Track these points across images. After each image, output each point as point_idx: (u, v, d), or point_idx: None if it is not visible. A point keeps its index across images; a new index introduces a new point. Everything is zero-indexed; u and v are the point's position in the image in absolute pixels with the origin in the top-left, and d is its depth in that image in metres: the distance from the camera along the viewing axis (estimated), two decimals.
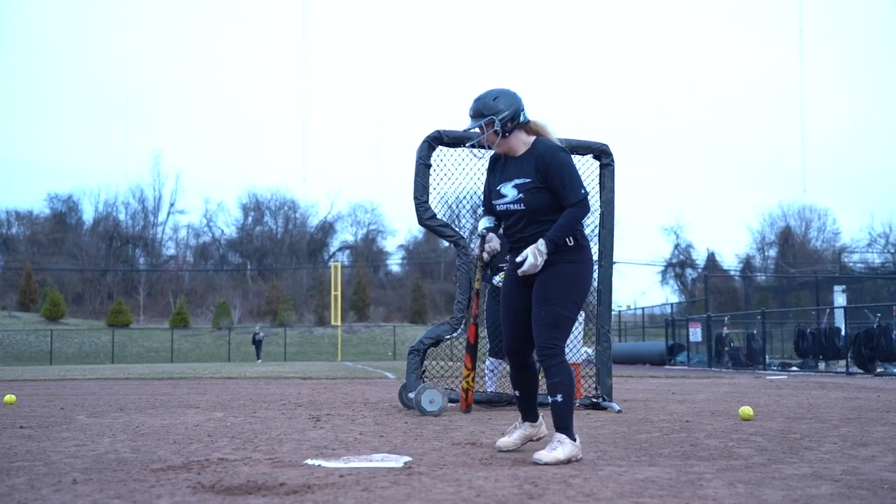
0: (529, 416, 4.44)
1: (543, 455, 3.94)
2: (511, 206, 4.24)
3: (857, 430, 5.54)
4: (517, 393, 4.45)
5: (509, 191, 4.25)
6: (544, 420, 4.56)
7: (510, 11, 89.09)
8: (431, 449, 4.57)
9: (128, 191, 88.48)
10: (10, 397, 8.23)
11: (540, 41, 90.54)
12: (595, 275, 7.70)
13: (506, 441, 4.39)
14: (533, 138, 4.31)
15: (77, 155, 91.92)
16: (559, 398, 4.05)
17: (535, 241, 4.16)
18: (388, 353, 49.22)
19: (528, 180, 4.20)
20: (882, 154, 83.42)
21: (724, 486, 3.31)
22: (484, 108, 4.27)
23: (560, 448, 3.96)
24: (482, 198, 4.61)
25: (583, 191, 4.17)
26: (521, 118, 4.28)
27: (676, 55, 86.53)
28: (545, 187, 4.17)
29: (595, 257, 7.69)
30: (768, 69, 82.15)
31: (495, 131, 4.25)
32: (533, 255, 4.10)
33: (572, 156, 7.49)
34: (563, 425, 4.03)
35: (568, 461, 3.95)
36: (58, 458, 4.20)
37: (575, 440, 4.04)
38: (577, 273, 4.16)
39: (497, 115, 4.23)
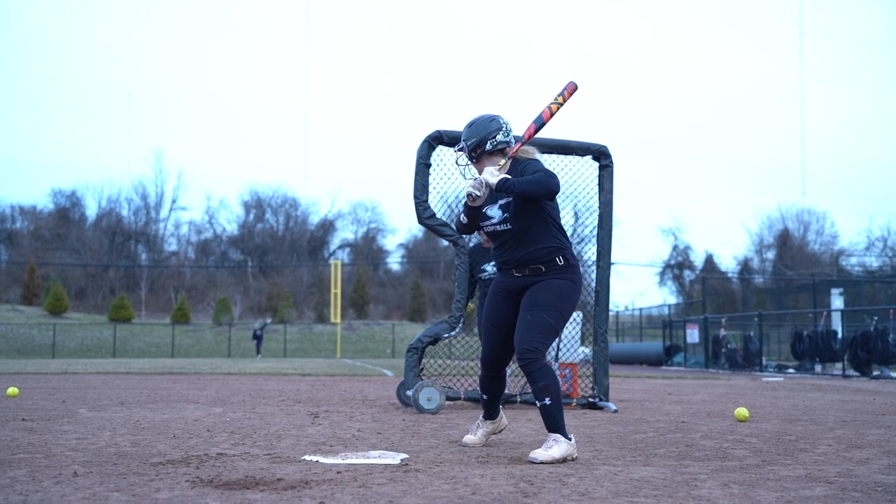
0: (493, 415, 4.73)
1: (539, 454, 3.98)
2: (498, 227, 4.31)
3: (852, 433, 5.57)
4: (484, 396, 4.67)
5: (495, 212, 4.33)
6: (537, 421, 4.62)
7: (509, 12, 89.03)
8: (428, 446, 4.61)
9: (130, 187, 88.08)
10: (12, 390, 8.27)
11: (539, 41, 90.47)
12: (593, 275, 7.75)
13: (472, 438, 4.68)
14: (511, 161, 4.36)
15: (80, 151, 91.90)
16: (547, 401, 4.09)
17: (524, 262, 4.26)
18: (387, 350, 49.19)
19: (510, 199, 4.26)
20: (881, 157, 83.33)
21: (718, 487, 3.34)
22: (462, 134, 4.45)
23: (556, 447, 4.00)
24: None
25: (556, 178, 4.17)
26: (488, 146, 4.37)
27: (676, 56, 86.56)
28: (528, 204, 4.21)
29: (593, 258, 7.73)
30: (768, 71, 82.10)
31: (464, 155, 4.42)
32: (486, 176, 4.13)
33: (571, 156, 7.61)
34: (556, 427, 4.08)
35: (563, 460, 3.99)
36: (59, 450, 4.24)
37: (570, 439, 4.08)
38: (566, 287, 4.26)
39: (466, 142, 4.40)
